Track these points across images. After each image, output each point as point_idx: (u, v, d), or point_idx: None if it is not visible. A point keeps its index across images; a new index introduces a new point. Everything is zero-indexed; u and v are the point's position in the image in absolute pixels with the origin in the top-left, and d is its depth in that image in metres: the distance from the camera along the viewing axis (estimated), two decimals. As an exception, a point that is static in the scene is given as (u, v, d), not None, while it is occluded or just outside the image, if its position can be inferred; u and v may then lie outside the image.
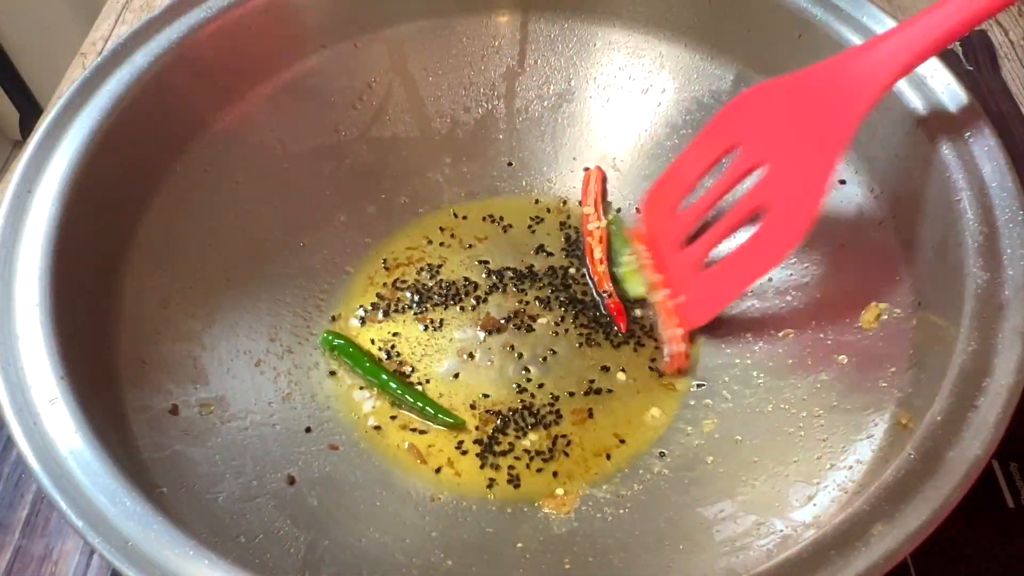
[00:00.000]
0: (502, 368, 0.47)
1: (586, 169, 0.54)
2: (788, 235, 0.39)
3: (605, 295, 0.49)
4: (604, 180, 0.53)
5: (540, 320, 0.49)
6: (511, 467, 0.43)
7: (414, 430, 0.45)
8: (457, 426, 0.44)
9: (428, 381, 0.47)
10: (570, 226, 0.53)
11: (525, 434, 0.44)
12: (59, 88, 0.64)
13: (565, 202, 0.54)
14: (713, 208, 0.45)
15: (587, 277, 0.51)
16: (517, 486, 0.43)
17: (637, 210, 0.52)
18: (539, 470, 0.43)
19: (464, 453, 0.44)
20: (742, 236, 0.43)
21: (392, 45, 0.52)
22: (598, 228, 0.51)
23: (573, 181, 0.54)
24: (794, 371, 0.43)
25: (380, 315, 0.49)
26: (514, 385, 0.46)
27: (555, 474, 0.43)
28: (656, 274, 0.48)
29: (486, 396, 0.46)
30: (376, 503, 0.41)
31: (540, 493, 0.42)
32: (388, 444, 0.44)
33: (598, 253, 0.51)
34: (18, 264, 0.36)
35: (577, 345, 0.48)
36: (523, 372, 0.47)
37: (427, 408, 0.45)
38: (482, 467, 0.43)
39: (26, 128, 1.21)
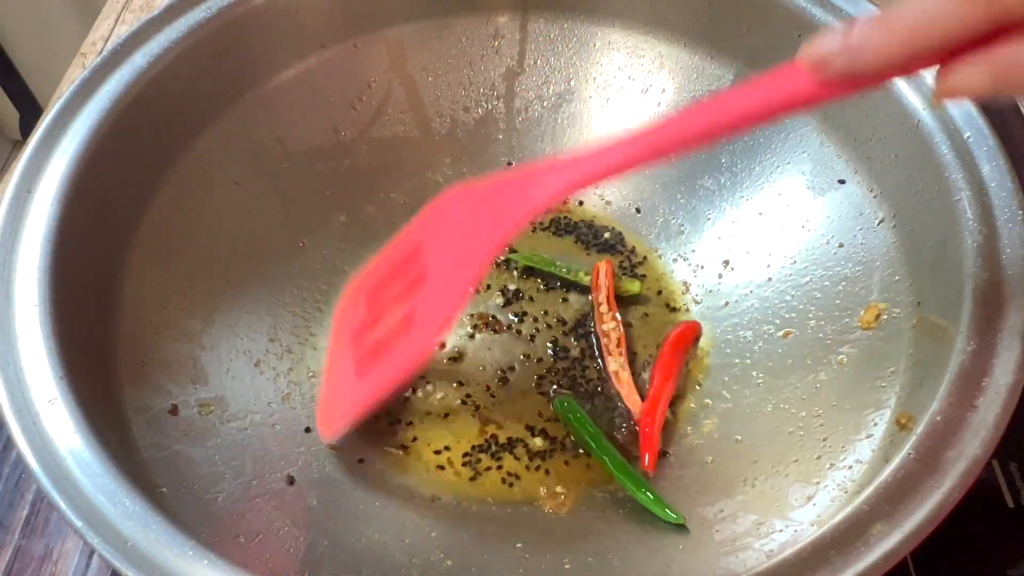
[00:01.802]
0: (501, 367, 0.47)
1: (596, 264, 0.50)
2: (409, 352, 0.36)
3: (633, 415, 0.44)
4: (614, 275, 0.49)
5: (539, 317, 0.49)
6: (511, 467, 0.43)
7: (411, 432, 0.45)
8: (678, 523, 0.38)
9: (428, 382, 0.47)
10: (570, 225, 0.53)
11: (524, 432, 0.44)
12: (59, 88, 0.64)
13: (565, 202, 0.54)
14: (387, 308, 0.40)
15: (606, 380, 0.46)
16: (517, 486, 0.43)
17: (637, 210, 0.53)
18: (538, 468, 0.43)
19: (464, 453, 0.44)
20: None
21: (392, 45, 0.52)
22: (615, 329, 0.47)
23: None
24: (794, 371, 0.43)
25: (380, 315, 0.49)
26: (514, 384, 0.46)
27: (554, 474, 0.43)
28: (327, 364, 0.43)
29: (484, 395, 0.46)
30: (376, 503, 0.41)
31: (540, 493, 0.42)
32: (388, 443, 0.44)
33: (614, 365, 0.45)
34: (18, 264, 0.36)
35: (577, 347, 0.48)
36: (523, 371, 0.47)
37: (646, 494, 0.40)
38: (482, 467, 0.43)
39: (26, 128, 1.21)
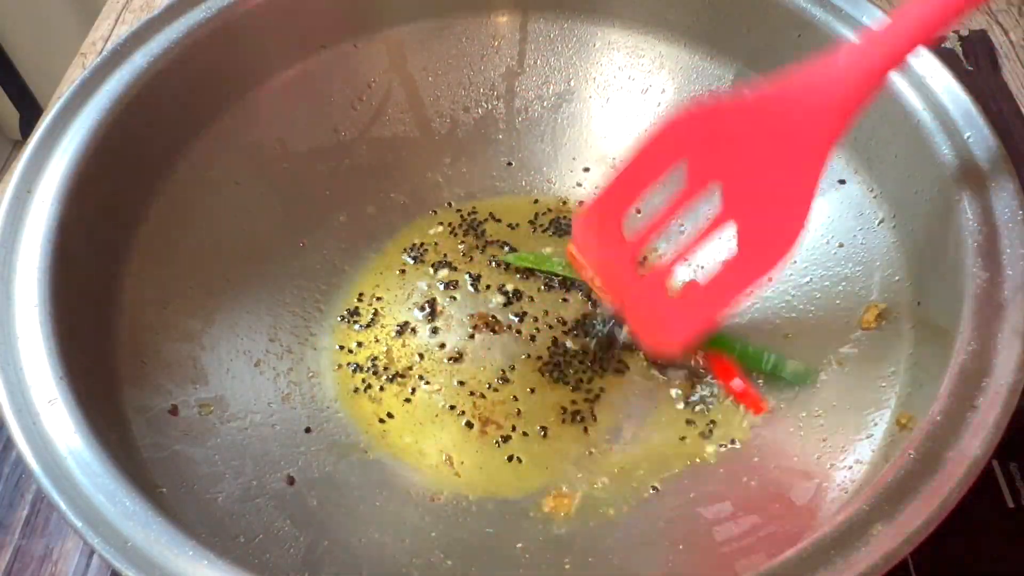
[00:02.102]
0: (501, 367, 0.47)
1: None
2: (773, 251, 0.36)
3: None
4: None
5: (540, 316, 0.49)
6: (511, 466, 0.43)
7: (411, 433, 0.45)
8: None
9: (428, 382, 0.47)
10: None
11: (524, 433, 0.44)
12: (59, 88, 0.64)
13: (565, 202, 0.54)
14: (664, 229, 0.41)
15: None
16: (517, 485, 0.43)
17: (637, 210, 0.52)
18: (538, 467, 0.43)
19: (464, 452, 0.44)
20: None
21: (392, 45, 0.52)
22: None
23: (572, 181, 0.54)
24: (794, 371, 0.43)
25: (380, 313, 0.49)
26: (515, 384, 0.46)
27: (555, 473, 0.43)
28: (612, 301, 0.44)
29: (485, 395, 0.46)
30: (376, 503, 0.41)
31: (541, 493, 0.42)
32: (388, 444, 0.44)
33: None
34: (18, 264, 0.36)
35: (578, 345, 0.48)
36: (524, 371, 0.47)
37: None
38: (481, 466, 0.43)
39: (26, 128, 1.21)
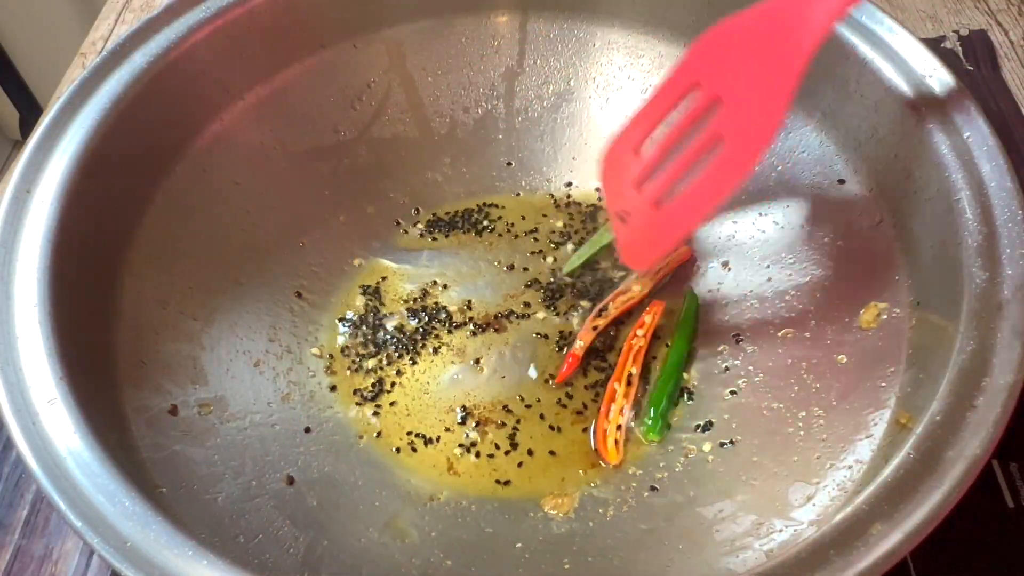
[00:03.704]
0: (499, 367, 0.47)
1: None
2: (740, 163, 0.37)
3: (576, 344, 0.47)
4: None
5: (538, 318, 0.49)
6: (511, 466, 0.43)
7: (410, 433, 0.45)
8: None
9: (428, 382, 0.47)
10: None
11: (523, 433, 0.44)
12: (59, 88, 0.64)
13: (567, 199, 0.54)
14: (674, 147, 0.41)
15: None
16: (517, 485, 0.43)
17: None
18: (537, 467, 0.43)
19: (463, 452, 0.44)
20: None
21: (391, 45, 0.52)
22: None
23: (572, 180, 0.54)
24: (794, 371, 0.43)
25: (379, 313, 0.49)
26: (512, 384, 0.46)
27: (555, 473, 0.43)
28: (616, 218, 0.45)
29: (485, 394, 0.46)
30: (376, 503, 0.41)
31: (540, 493, 0.42)
32: (388, 444, 0.44)
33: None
34: (18, 264, 0.36)
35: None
36: (521, 371, 0.47)
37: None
38: (482, 466, 0.43)
39: (26, 128, 1.21)
